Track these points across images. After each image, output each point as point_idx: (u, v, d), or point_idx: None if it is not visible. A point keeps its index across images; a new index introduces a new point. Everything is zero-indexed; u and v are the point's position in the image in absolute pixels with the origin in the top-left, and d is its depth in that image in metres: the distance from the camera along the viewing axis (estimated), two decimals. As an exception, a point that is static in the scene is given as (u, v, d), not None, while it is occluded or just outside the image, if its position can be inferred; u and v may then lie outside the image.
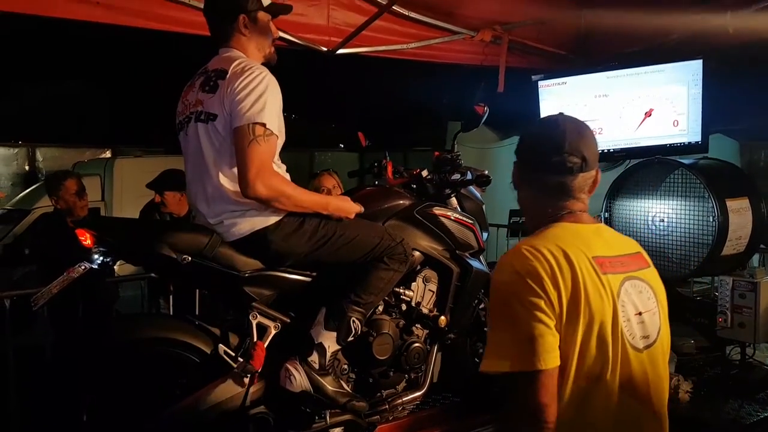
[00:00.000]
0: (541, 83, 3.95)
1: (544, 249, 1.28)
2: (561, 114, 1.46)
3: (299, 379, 1.97)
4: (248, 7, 1.97)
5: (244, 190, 1.83)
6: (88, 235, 1.80)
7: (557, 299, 1.24)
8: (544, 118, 1.46)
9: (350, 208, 2.10)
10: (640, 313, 1.34)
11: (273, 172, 1.88)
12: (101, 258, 1.83)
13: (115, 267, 3.52)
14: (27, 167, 9.84)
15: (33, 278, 3.53)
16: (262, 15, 2.00)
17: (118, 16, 2.70)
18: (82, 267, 1.82)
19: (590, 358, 1.26)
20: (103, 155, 9.79)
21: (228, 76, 1.87)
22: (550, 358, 1.22)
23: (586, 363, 1.26)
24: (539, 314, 1.22)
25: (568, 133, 1.37)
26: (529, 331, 1.22)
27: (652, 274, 1.42)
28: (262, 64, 2.01)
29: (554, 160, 1.36)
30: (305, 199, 1.99)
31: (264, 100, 1.82)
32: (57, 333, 3.39)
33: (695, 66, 3.45)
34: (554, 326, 1.23)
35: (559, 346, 1.24)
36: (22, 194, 7.18)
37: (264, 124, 1.82)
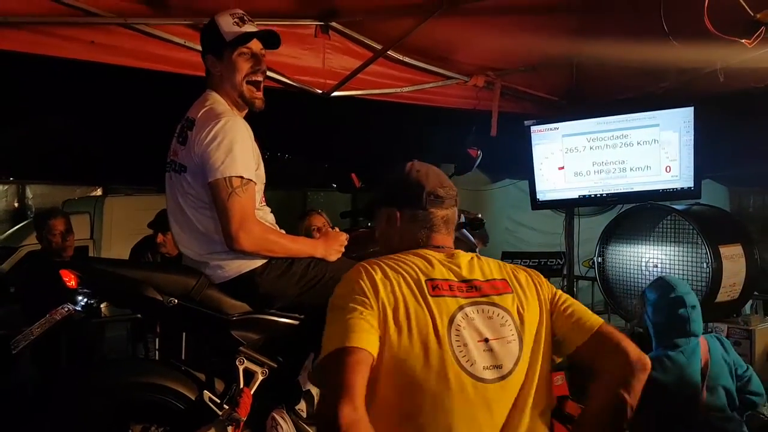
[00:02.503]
0: (533, 128, 4.00)
1: (375, 264, 1.34)
2: (414, 161, 1.53)
3: (286, 429, 1.90)
4: (210, 46, 1.95)
5: (229, 244, 1.80)
6: (72, 276, 1.75)
7: (378, 308, 1.25)
8: (401, 165, 1.53)
9: (339, 250, 2.06)
10: (486, 340, 1.28)
11: (255, 221, 1.85)
12: (85, 300, 1.78)
13: (102, 307, 3.46)
14: (16, 204, 9.78)
15: (16, 318, 3.44)
16: (228, 51, 1.93)
17: (112, 56, 2.73)
18: (65, 309, 1.77)
19: (416, 378, 1.23)
20: (93, 193, 9.75)
21: (195, 127, 1.85)
22: (359, 338, 1.20)
23: (405, 389, 1.23)
24: (358, 310, 1.24)
25: (437, 172, 1.50)
26: (345, 320, 1.24)
27: (513, 299, 1.35)
28: (244, 102, 1.96)
29: (439, 194, 1.45)
30: (292, 246, 1.95)
31: (233, 152, 1.78)
32: (40, 374, 3.29)
33: (686, 113, 3.52)
34: (373, 323, 1.23)
35: (381, 358, 1.23)
36: (9, 231, 7.11)
37: (240, 177, 1.79)
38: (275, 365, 1.99)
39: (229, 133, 1.80)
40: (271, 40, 1.98)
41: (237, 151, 1.79)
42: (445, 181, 1.49)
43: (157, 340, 3.33)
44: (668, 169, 3.64)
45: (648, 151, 3.70)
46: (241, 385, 1.90)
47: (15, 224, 7.83)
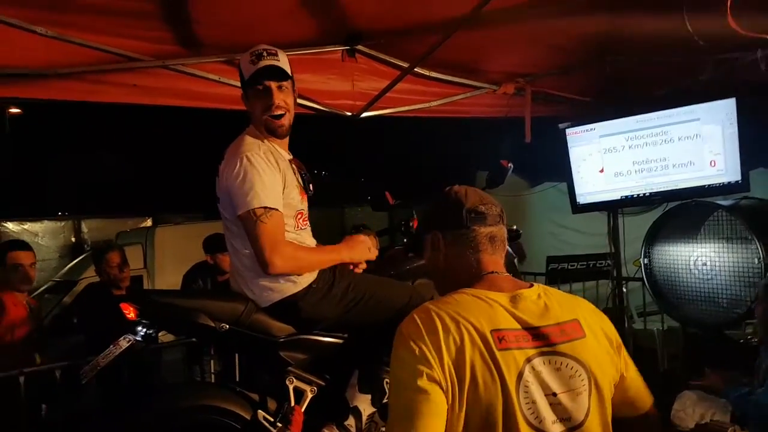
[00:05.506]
0: (568, 131, 3.95)
1: (435, 316, 1.22)
2: (455, 185, 1.48)
3: (337, 444, 1.95)
4: (241, 85, 2.07)
5: (264, 269, 1.88)
6: (131, 309, 1.86)
7: (441, 370, 1.16)
8: (444, 190, 1.48)
9: (362, 253, 2.10)
10: (554, 394, 1.20)
11: (285, 244, 1.91)
12: (144, 330, 1.90)
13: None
14: (73, 239, 10.24)
15: (81, 348, 3.63)
16: (247, 90, 2.03)
17: (153, 96, 2.89)
18: (127, 339, 1.89)
19: None
20: (144, 224, 10.11)
21: (223, 161, 1.98)
22: (426, 426, 1.12)
23: None
24: (423, 388, 1.14)
25: (477, 191, 1.45)
26: (410, 401, 1.15)
27: (585, 345, 1.26)
28: (270, 134, 2.02)
29: (479, 210, 1.38)
30: (320, 258, 2.03)
31: (255, 186, 1.86)
32: (104, 399, 3.45)
33: (728, 105, 3.41)
34: (440, 399, 1.15)
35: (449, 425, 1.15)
36: (69, 266, 7.45)
37: (264, 207, 1.86)
38: (323, 383, 2.05)
39: (249, 169, 1.88)
40: (275, 74, 2.00)
41: (257, 185, 1.87)
42: (487, 198, 1.43)
43: (211, 362, 3.46)
44: (713, 163, 3.54)
45: (690, 146, 3.60)
46: (293, 403, 1.96)
47: (73, 258, 8.17)
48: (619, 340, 1.36)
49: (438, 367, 1.16)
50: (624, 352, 1.37)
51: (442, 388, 1.16)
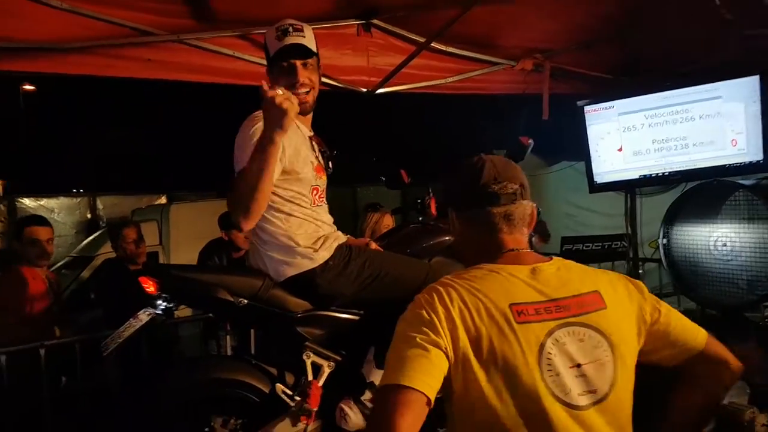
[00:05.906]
0: (587, 108, 3.90)
1: (451, 289, 1.22)
2: (480, 154, 1.41)
3: (354, 419, 1.97)
4: (267, 60, 2.03)
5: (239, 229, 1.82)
6: (151, 283, 1.87)
7: (451, 343, 1.15)
8: (465, 160, 1.41)
9: (279, 110, 1.60)
10: (578, 365, 1.18)
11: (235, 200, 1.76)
12: (164, 304, 1.91)
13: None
14: (89, 215, 10.31)
15: (99, 323, 3.68)
16: (272, 66, 2.00)
17: (167, 71, 2.85)
18: (147, 313, 1.91)
19: (502, 416, 1.14)
20: (158, 201, 10.16)
21: None
22: (414, 378, 1.09)
23: (496, 423, 1.14)
24: (422, 346, 1.14)
25: (497, 163, 1.36)
26: (405, 355, 1.14)
27: (606, 316, 1.24)
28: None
29: (491, 189, 1.33)
30: (253, 161, 1.65)
31: (241, 152, 1.79)
32: (124, 373, 3.51)
33: (752, 82, 3.35)
34: (439, 363, 1.14)
35: (459, 396, 1.16)
36: (85, 242, 7.52)
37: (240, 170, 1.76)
38: (339, 358, 2.07)
39: (241, 135, 1.84)
40: (300, 53, 1.94)
41: (243, 148, 1.78)
42: (503, 174, 1.34)
43: (227, 338, 3.50)
44: (734, 142, 3.48)
45: (711, 125, 3.54)
46: (310, 378, 1.98)
47: (89, 234, 8.24)
48: (643, 295, 1.34)
49: (447, 339, 1.16)
50: (652, 302, 1.34)
51: (447, 357, 1.15)
